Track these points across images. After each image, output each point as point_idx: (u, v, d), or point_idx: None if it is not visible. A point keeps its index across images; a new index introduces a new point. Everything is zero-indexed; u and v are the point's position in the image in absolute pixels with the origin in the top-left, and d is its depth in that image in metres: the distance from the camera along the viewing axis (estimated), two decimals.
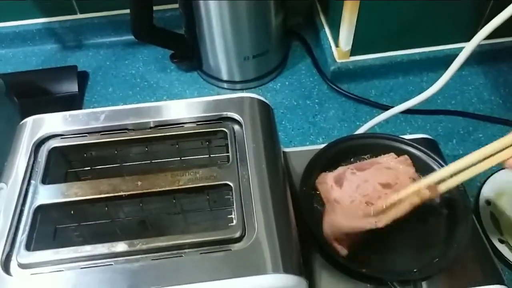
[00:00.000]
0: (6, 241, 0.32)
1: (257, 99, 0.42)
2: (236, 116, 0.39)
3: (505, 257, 0.47)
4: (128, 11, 0.76)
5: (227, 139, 0.39)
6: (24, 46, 0.78)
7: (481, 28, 0.64)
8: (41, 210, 0.34)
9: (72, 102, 0.68)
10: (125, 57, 0.76)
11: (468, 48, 0.45)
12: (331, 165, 0.45)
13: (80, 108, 0.69)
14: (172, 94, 0.70)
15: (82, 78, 0.72)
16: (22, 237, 0.32)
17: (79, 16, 0.77)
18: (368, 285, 0.37)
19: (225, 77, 0.70)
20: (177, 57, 0.71)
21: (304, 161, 0.45)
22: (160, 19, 0.73)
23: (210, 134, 0.40)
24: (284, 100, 0.69)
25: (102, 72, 0.74)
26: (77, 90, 0.69)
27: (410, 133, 0.62)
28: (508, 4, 0.42)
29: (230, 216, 0.41)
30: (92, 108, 0.68)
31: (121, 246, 0.31)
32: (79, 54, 0.77)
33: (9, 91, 0.61)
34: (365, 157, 0.46)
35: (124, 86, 0.72)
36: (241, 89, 0.71)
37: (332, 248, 0.38)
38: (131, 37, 0.73)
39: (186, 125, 0.39)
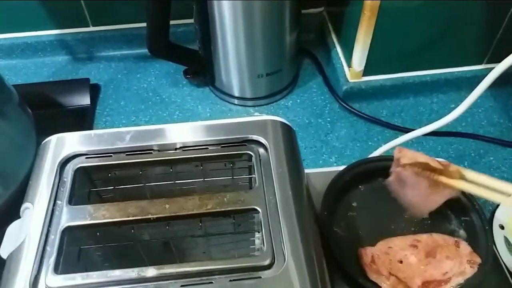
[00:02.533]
0: (34, 262, 0.32)
1: (280, 121, 0.42)
2: (261, 139, 0.40)
3: None
4: (139, 24, 0.77)
5: (251, 162, 0.39)
6: (35, 57, 0.78)
7: (491, 52, 0.65)
8: (68, 231, 0.34)
9: (84, 115, 0.68)
10: (136, 71, 0.77)
11: (498, 69, 0.45)
12: (349, 188, 0.46)
13: (92, 121, 0.69)
14: (184, 109, 0.70)
15: (94, 91, 0.72)
16: (50, 259, 0.32)
17: (92, 28, 0.77)
18: None
19: (236, 93, 0.71)
20: (190, 72, 0.72)
21: (322, 183, 0.45)
22: (173, 34, 0.73)
23: (235, 157, 0.40)
24: (296, 118, 0.69)
25: (114, 85, 0.74)
26: (89, 103, 0.69)
27: None
28: None
29: (252, 239, 0.41)
30: (104, 121, 0.69)
31: (150, 271, 0.31)
32: (90, 67, 0.77)
33: (22, 102, 0.61)
34: (381, 180, 0.47)
35: (136, 99, 0.72)
36: (252, 106, 0.71)
37: (354, 270, 0.39)
38: (142, 50, 0.74)
39: (211, 147, 0.40)
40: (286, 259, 0.32)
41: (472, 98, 0.46)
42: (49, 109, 0.68)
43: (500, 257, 0.49)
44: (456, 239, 0.41)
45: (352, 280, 0.38)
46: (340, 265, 0.39)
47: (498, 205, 0.53)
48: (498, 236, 0.51)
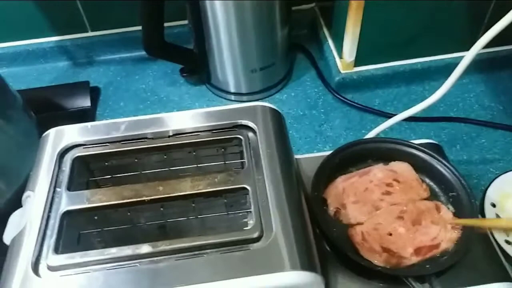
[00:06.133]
0: (35, 244, 0.34)
1: (269, 107, 0.44)
2: (250, 123, 0.41)
3: None
4: (137, 28, 0.79)
5: (242, 146, 0.41)
6: (37, 63, 0.80)
7: (480, 37, 0.67)
8: (67, 215, 0.36)
9: (85, 117, 0.70)
10: (135, 72, 0.79)
11: (467, 57, 0.47)
12: (339, 170, 0.47)
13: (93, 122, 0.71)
14: (182, 107, 0.72)
15: (94, 93, 0.75)
16: (50, 241, 0.34)
17: (90, 33, 0.80)
18: (381, 284, 0.39)
19: (232, 89, 0.72)
20: (186, 71, 0.74)
21: (314, 167, 0.46)
22: (169, 35, 0.75)
23: (225, 141, 0.41)
24: (291, 110, 0.71)
25: (113, 87, 0.76)
26: (89, 105, 0.72)
27: (415, 140, 0.63)
28: (505, 14, 0.44)
29: (245, 220, 0.43)
30: None
31: (145, 248, 0.33)
32: (91, 70, 0.80)
33: (26, 106, 0.63)
34: (370, 161, 0.48)
35: (135, 100, 0.74)
36: (248, 101, 0.73)
37: (345, 247, 0.40)
38: (140, 53, 0.76)
39: (202, 133, 0.41)
40: (274, 231, 0.33)
41: (452, 79, 0.47)
42: (51, 112, 0.71)
43: (493, 235, 0.50)
44: (435, 202, 0.43)
45: (345, 258, 0.39)
46: (332, 244, 0.40)
47: (489, 184, 0.54)
48: (490, 214, 0.52)
